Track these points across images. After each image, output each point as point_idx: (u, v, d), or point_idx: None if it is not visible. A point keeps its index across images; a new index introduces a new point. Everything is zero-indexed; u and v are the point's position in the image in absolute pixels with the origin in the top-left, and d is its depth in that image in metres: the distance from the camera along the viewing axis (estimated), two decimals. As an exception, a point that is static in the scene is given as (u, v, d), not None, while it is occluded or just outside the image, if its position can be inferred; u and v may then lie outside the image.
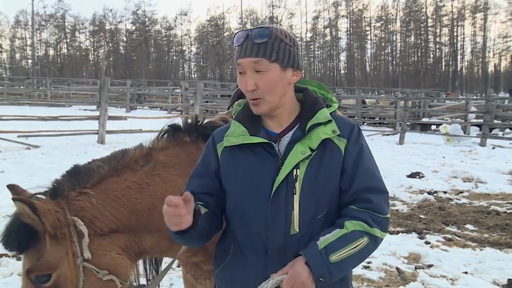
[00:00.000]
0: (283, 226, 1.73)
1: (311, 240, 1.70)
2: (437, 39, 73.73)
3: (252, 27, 1.83)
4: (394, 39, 75.38)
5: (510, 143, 16.48)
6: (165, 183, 2.10)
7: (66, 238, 1.79)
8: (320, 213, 1.73)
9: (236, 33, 1.80)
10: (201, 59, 78.89)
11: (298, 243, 1.72)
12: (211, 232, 1.83)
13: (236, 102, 2.84)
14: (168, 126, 2.32)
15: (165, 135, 2.30)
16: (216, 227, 1.86)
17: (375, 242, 1.71)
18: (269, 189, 1.73)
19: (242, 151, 1.80)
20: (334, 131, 1.74)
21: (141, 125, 14.66)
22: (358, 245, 1.66)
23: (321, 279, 1.62)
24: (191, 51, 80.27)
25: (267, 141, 1.76)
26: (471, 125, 19.35)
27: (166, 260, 2.43)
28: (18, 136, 12.31)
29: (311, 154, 1.72)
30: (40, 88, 32.37)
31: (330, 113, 1.80)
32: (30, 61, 66.88)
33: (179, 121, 2.37)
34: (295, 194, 1.71)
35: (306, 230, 1.73)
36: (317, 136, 1.72)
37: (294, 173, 1.71)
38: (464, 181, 10.02)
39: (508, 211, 7.53)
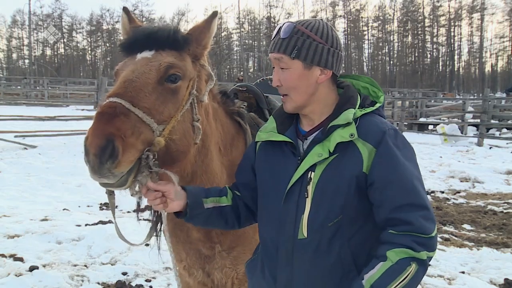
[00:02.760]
0: (291, 229, 1.68)
1: (319, 248, 1.63)
2: (434, 39, 73.94)
3: (298, 19, 1.75)
4: (392, 39, 75.55)
5: (507, 143, 16.53)
6: (210, 134, 2.16)
7: (196, 69, 2.00)
8: (331, 221, 1.61)
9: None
10: (199, 59, 78.72)
11: (305, 249, 1.65)
12: (229, 222, 1.94)
13: None
14: (221, 90, 2.42)
15: (220, 94, 2.38)
16: (245, 219, 1.97)
17: (424, 266, 1.52)
18: (285, 189, 1.70)
19: (273, 148, 1.81)
20: (351, 135, 1.59)
21: (139, 125, 14.61)
22: (407, 276, 1.49)
23: None
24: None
25: (288, 140, 1.74)
26: (468, 125, 19.41)
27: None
28: (15, 136, 12.28)
29: (328, 157, 1.61)
30: (37, 88, 32.28)
31: (366, 114, 1.66)
32: (27, 61, 66.72)
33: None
34: (307, 197, 1.65)
35: (315, 236, 1.64)
36: (334, 139, 1.61)
37: (309, 175, 1.65)
38: (461, 181, 10.06)
39: (505, 211, 7.56)
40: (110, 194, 1.87)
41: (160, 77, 1.81)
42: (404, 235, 1.53)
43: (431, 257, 1.55)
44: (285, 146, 1.77)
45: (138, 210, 2.28)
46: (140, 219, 2.33)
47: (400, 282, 1.49)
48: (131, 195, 1.80)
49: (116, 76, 1.91)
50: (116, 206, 1.96)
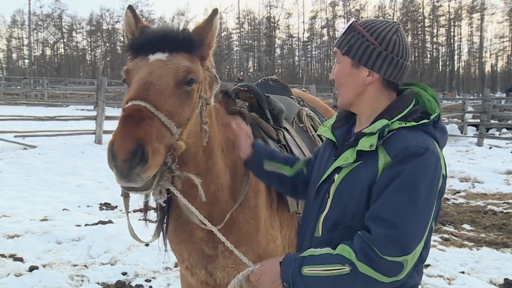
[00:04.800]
0: (313, 225, 1.76)
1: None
2: (434, 39, 73.92)
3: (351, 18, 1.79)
4: (391, 39, 75.45)
5: (507, 143, 16.53)
6: (213, 135, 2.19)
7: (204, 71, 2.02)
8: (343, 224, 1.64)
9: None
10: (199, 59, 78.60)
11: (319, 247, 1.68)
12: (287, 190, 2.20)
13: None
14: (222, 89, 2.43)
15: (221, 93, 2.41)
16: (302, 195, 2.11)
17: (357, 277, 1.48)
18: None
19: (327, 145, 1.91)
20: (371, 145, 1.59)
21: (139, 125, 14.60)
22: (333, 270, 1.50)
23: (285, 284, 1.59)
24: (188, 51, 79.91)
25: (332, 139, 1.82)
26: (468, 125, 19.39)
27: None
28: (15, 136, 12.27)
29: (353, 163, 1.64)
30: (37, 88, 32.26)
31: (405, 128, 1.61)
32: (27, 61, 66.65)
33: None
34: (328, 197, 1.70)
35: (327, 236, 1.68)
36: (358, 147, 1.64)
37: (333, 177, 1.70)
38: (461, 181, 10.06)
39: (505, 211, 7.56)
40: (126, 196, 1.90)
41: (178, 80, 1.82)
42: (360, 239, 1.52)
43: (378, 281, 1.48)
44: (331, 145, 1.85)
45: (146, 210, 2.31)
46: (145, 220, 2.35)
47: (324, 270, 1.52)
48: (155, 200, 1.83)
49: (127, 75, 1.89)
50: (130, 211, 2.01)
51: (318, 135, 2.10)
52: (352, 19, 1.74)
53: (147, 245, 5.21)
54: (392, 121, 1.62)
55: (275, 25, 75.05)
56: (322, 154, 1.92)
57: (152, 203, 2.20)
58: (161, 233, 2.34)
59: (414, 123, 1.62)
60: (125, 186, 1.67)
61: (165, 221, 2.32)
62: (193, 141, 1.88)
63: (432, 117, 1.66)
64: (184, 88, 1.84)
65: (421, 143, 1.56)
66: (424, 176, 1.53)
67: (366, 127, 1.66)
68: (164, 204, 2.14)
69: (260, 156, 2.09)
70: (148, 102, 1.68)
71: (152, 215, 2.37)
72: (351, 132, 1.81)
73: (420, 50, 74.61)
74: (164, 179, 1.75)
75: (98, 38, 78.42)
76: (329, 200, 1.69)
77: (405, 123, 1.61)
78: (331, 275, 1.51)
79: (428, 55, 75.36)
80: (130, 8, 2.07)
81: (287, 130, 2.92)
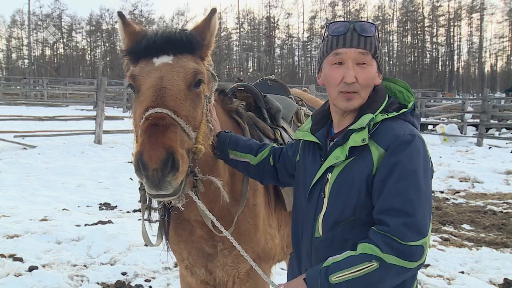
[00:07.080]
0: (311, 227, 1.77)
1: (332, 247, 1.68)
2: (434, 39, 73.89)
3: (347, 19, 1.82)
4: (391, 39, 75.47)
5: (506, 143, 16.54)
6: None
7: (207, 68, 2.05)
8: (343, 220, 1.66)
9: (332, 23, 1.75)
10: (198, 59, 78.48)
11: (320, 247, 1.73)
12: (252, 176, 2.23)
13: None
14: (218, 88, 2.44)
15: (217, 92, 2.44)
16: (268, 180, 2.23)
17: (387, 270, 1.51)
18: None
19: (309, 148, 1.90)
20: (363, 140, 1.63)
21: (138, 125, 14.58)
22: (362, 269, 1.52)
23: None
24: (188, 51, 79.75)
25: (316, 141, 1.83)
26: (468, 125, 19.41)
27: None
28: (15, 136, 12.27)
29: (345, 160, 1.67)
30: (37, 88, 32.25)
31: (388, 119, 1.67)
32: (26, 61, 66.59)
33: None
34: (324, 197, 1.72)
35: (328, 235, 1.70)
36: (349, 143, 1.67)
37: (327, 176, 1.72)
38: (461, 181, 10.06)
39: (505, 211, 7.56)
40: (144, 202, 1.97)
41: (189, 83, 1.83)
42: (379, 233, 1.55)
43: (405, 268, 1.52)
44: (315, 147, 1.85)
45: (149, 210, 2.32)
46: (149, 220, 2.37)
47: (352, 272, 1.53)
48: (175, 204, 1.85)
49: (135, 81, 1.86)
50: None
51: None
52: (363, 22, 1.73)
53: (146, 244, 5.20)
54: (375, 114, 1.68)
55: (275, 25, 75.02)
56: (302, 158, 1.93)
57: (154, 203, 2.21)
58: (165, 232, 2.37)
59: (395, 113, 1.70)
60: (155, 194, 1.67)
61: (166, 220, 2.33)
62: (206, 141, 1.92)
63: (409, 105, 1.74)
64: (194, 90, 1.86)
65: (408, 131, 1.63)
66: (418, 161, 1.59)
67: (352, 124, 1.70)
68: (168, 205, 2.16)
69: (224, 146, 2.16)
70: (168, 109, 1.68)
71: (147, 215, 2.37)
72: (331, 132, 1.84)
73: (420, 50, 74.63)
74: (186, 183, 1.78)
75: (98, 38, 78.37)
76: (325, 200, 1.71)
77: (387, 114, 1.69)
78: (361, 275, 1.52)
79: (428, 55, 75.34)
80: (120, 14, 2.04)
81: (285, 129, 2.92)
